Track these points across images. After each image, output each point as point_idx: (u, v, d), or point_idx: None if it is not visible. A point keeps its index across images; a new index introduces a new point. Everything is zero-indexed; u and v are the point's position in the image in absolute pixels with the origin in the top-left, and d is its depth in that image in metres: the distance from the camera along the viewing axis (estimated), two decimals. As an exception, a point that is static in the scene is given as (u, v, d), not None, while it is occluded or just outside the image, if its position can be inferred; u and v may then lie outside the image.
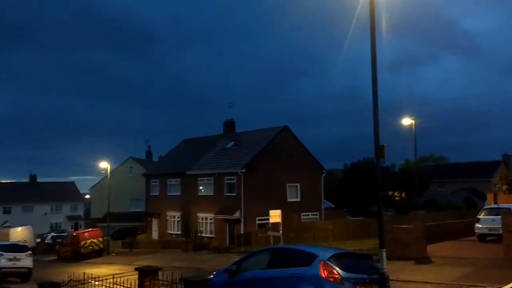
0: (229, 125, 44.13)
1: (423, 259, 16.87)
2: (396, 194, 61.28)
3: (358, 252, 12.00)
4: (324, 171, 40.54)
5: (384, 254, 9.60)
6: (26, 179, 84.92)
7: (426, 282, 13.14)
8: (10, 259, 21.49)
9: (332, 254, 9.08)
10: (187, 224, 39.28)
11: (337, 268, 8.62)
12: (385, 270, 9.16)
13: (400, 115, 35.90)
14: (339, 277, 8.51)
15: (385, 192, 53.61)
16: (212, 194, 37.76)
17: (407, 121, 35.12)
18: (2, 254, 21.63)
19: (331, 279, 8.49)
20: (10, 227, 53.82)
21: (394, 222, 23.41)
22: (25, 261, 22.20)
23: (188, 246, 34.63)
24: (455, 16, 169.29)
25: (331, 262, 8.74)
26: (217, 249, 31.77)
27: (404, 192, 59.27)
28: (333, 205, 49.55)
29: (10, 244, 24.28)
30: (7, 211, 76.11)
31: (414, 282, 13.32)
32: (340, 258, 9.04)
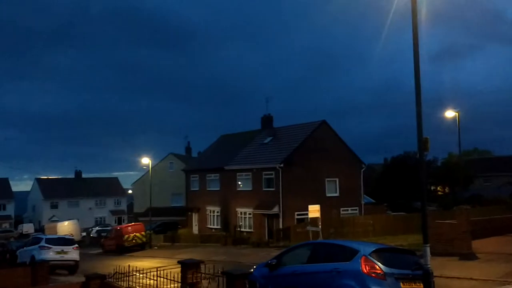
0: (267, 120, 44.17)
1: (468, 255, 16.37)
2: (438, 188, 59.55)
3: (400, 247, 11.77)
4: (363, 165, 39.96)
5: (428, 250, 9.36)
6: (72, 175, 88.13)
7: (471, 279, 12.76)
8: (58, 252, 22.34)
9: (374, 249, 8.96)
10: (226, 219, 39.71)
11: (379, 264, 8.51)
12: (429, 265, 8.94)
13: (443, 107, 34.78)
14: (381, 273, 8.40)
15: (427, 187, 52.24)
16: (250, 189, 37.97)
17: (450, 113, 33.96)
18: (51, 247, 22.50)
19: (373, 275, 8.39)
20: (57, 221, 56.14)
21: (437, 217, 22.76)
22: (72, 254, 23.02)
23: (228, 241, 35.01)
24: (500, 5, 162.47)
25: (372, 257, 8.63)
26: (256, 244, 31.96)
27: (447, 186, 57.54)
28: (373, 200, 48.76)
29: (57, 238, 25.25)
30: (54, 206, 79.27)
31: (458, 278, 12.96)
32: (382, 253, 8.91)
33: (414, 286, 8.60)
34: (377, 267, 8.45)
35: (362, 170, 39.61)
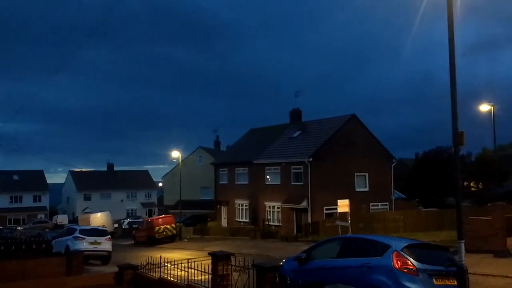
0: (296, 114, 43.99)
1: (503, 252, 15.94)
2: (472, 184, 58.15)
3: (433, 243, 11.56)
4: (394, 160, 39.35)
5: (463, 246, 9.16)
6: (104, 168, 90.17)
7: (506, 276, 12.44)
8: (91, 243, 22.91)
9: (406, 244, 8.84)
10: (255, 213, 39.86)
11: (411, 259, 8.40)
12: (463, 262, 8.76)
13: (478, 101, 33.78)
14: (414, 268, 8.29)
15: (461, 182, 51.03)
16: (279, 183, 37.97)
17: (485, 107, 32.98)
18: (84, 238, 23.10)
19: (405, 270, 8.29)
20: (90, 213, 57.58)
21: (471, 213, 22.22)
22: (105, 244, 23.57)
23: (256, 234, 35.16)
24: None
25: (404, 253, 8.53)
26: (285, 238, 31.97)
27: (481, 182, 56.09)
28: (404, 196, 48.05)
29: (91, 229, 25.92)
30: (87, 198, 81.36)
31: (493, 275, 12.65)
32: (415, 249, 8.78)
33: (447, 283, 8.45)
34: (409, 262, 8.35)
35: (393, 165, 39.01)
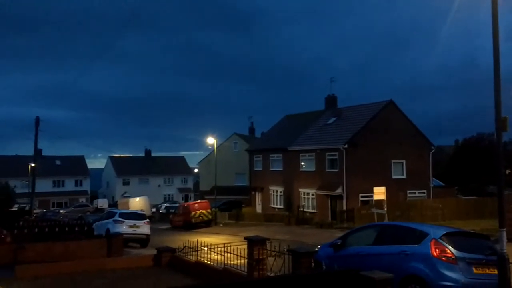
0: (331, 101, 43.51)
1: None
2: (514, 172, 56.15)
3: (473, 231, 11.29)
4: (432, 147, 38.40)
5: (505, 234, 8.89)
6: (142, 154, 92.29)
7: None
8: (130, 226, 23.57)
9: (445, 232, 8.69)
10: (289, 199, 39.93)
11: (450, 247, 8.26)
12: (505, 251, 8.52)
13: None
14: (452, 257, 8.14)
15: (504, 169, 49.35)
16: (313, 169, 37.81)
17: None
18: (124, 221, 23.77)
19: (443, 258, 8.16)
20: (129, 197, 59.13)
21: (512, 202, 21.51)
22: (144, 228, 24.20)
23: (291, 220, 35.26)
24: None
25: (443, 241, 8.39)
26: (320, 224, 31.95)
27: (524, 170, 54.09)
28: (443, 183, 46.94)
29: (130, 213, 26.60)
30: (126, 183, 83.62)
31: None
32: (453, 237, 8.63)
33: (487, 272, 8.26)
34: (448, 250, 8.21)
35: (431, 152, 38.09)
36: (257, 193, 45.78)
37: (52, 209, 67.43)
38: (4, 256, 15.46)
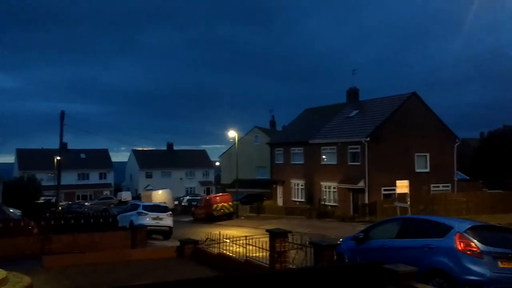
0: (353, 93, 43.09)
1: None
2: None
3: (499, 225, 11.08)
4: (457, 140, 37.71)
5: (532, 229, 8.72)
6: (164, 147, 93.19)
7: None
8: (154, 218, 23.92)
9: (470, 226, 8.57)
10: (311, 192, 39.83)
11: (475, 241, 8.14)
12: (532, 245, 8.34)
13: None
14: (478, 251, 8.02)
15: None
16: (335, 163, 37.59)
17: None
18: (147, 214, 24.14)
19: (468, 252, 8.05)
20: (152, 190, 59.90)
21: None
22: (167, 220, 24.52)
23: (312, 214, 35.20)
24: None
25: (468, 235, 8.27)
26: (341, 218, 31.82)
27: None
28: (467, 177, 46.12)
29: (153, 205, 26.97)
30: (149, 176, 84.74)
31: None
32: (479, 231, 8.50)
33: (514, 266, 8.10)
34: (473, 244, 8.09)
35: (456, 145, 37.42)
36: (278, 187, 45.80)
37: (77, 201, 68.87)
38: (32, 246, 15.88)
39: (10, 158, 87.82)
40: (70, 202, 59.44)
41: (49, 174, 64.86)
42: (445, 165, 36.28)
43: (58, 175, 41.17)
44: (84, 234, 17.42)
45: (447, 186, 36.38)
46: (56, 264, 13.13)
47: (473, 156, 54.33)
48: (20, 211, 26.76)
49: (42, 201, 49.40)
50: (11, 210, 20.67)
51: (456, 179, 37.41)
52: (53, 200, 48.98)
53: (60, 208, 43.89)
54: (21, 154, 77.83)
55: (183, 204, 56.16)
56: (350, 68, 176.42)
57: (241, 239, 12.47)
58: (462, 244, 8.14)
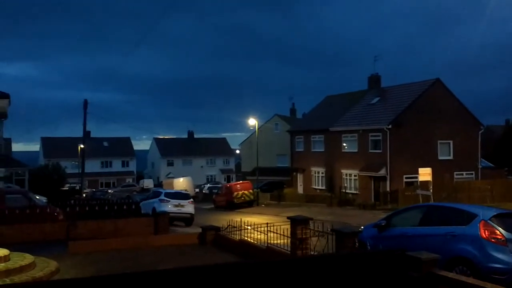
0: (374, 80, 42.51)
1: None
2: None
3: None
4: (481, 127, 36.97)
5: (559, 217, 8.54)
6: (185, 135, 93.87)
7: None
8: (175, 205, 24.21)
9: (495, 213, 8.46)
10: (331, 180, 39.69)
11: (499, 229, 8.04)
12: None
13: None
14: (502, 238, 7.92)
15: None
16: (356, 150, 37.32)
17: None
18: (169, 201, 24.44)
19: (492, 240, 7.95)
20: (173, 177, 60.59)
21: None
22: (188, 207, 24.81)
23: (333, 201, 35.12)
24: None
25: (493, 222, 8.17)
26: (362, 206, 31.68)
27: None
28: (492, 164, 45.25)
29: (175, 192, 27.28)
30: (170, 164, 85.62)
31: None
32: (504, 219, 8.39)
33: (540, 255, 7.97)
34: (498, 232, 7.99)
35: (480, 132, 36.69)
36: (298, 174, 45.77)
37: (101, 188, 70.23)
38: (58, 233, 16.28)
39: (35, 147, 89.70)
40: (94, 190, 60.69)
41: (73, 162, 66.12)
42: (469, 152, 35.65)
43: (82, 163, 41.95)
44: (108, 221, 17.76)
45: (471, 174, 35.79)
46: (81, 250, 13.46)
47: (498, 143, 53.25)
48: (45, 198, 27.41)
49: (67, 188, 50.51)
50: (37, 197, 21.16)
51: (480, 166, 36.75)
52: (77, 187, 50.05)
53: (84, 195, 44.88)
54: (46, 143, 79.42)
55: (204, 191, 56.63)
56: (371, 54, 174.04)
57: (262, 226, 12.55)
58: (486, 232, 8.04)
